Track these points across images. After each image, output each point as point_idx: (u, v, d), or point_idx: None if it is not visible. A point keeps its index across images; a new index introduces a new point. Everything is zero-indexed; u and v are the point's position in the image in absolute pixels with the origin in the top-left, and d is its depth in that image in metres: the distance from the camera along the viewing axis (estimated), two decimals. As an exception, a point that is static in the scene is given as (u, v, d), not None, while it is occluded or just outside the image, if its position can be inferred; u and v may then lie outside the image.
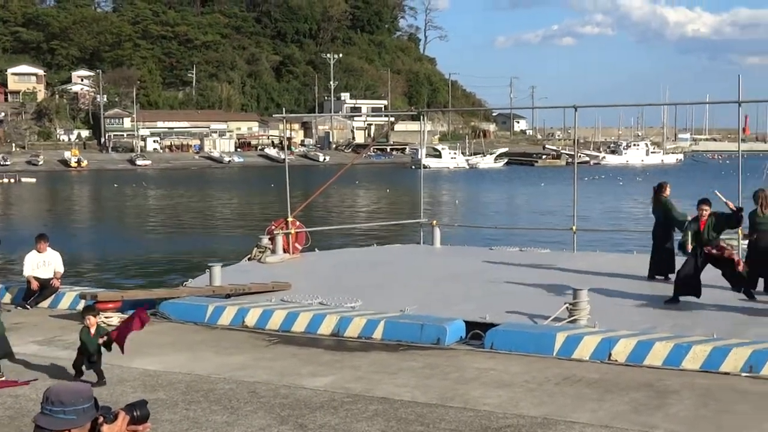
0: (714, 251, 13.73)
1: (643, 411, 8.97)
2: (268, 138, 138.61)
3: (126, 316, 11.98)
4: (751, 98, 29.54)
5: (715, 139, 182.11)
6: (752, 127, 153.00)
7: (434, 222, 22.61)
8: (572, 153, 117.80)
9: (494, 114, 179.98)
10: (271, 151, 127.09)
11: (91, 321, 10.48)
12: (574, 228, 20.41)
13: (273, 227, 20.58)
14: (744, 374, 10.22)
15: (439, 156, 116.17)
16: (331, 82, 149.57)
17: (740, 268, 13.69)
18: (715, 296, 13.87)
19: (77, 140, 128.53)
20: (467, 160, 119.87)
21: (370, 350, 11.83)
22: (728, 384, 9.91)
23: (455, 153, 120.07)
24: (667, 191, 16.22)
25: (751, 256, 14.33)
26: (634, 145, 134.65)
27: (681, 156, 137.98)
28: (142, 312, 9.93)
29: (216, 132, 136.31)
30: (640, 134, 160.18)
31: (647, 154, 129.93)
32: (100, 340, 10.14)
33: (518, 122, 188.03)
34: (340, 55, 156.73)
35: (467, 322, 12.47)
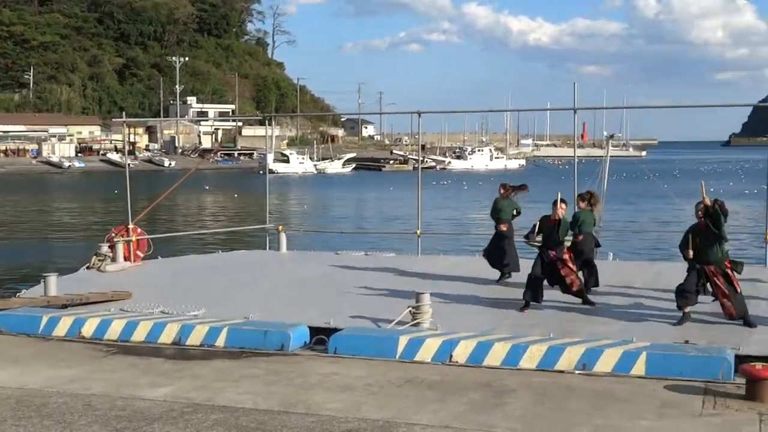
0: (553, 255, 14.08)
1: (483, 410, 9.15)
2: (111, 142, 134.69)
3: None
4: (587, 105, 30.88)
5: (555, 145, 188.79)
6: (590, 134, 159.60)
7: (280, 227, 22.50)
8: (417, 158, 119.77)
9: (342, 119, 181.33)
10: (114, 156, 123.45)
11: None
12: (418, 232, 20.72)
13: (113, 234, 19.99)
14: (578, 372, 10.59)
15: (287, 161, 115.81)
16: (177, 86, 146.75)
17: (569, 280, 14.08)
18: (555, 296, 14.33)
19: None
20: (315, 165, 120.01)
21: (213, 358, 11.62)
22: (563, 382, 10.24)
23: (303, 158, 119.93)
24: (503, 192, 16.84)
25: (576, 256, 14.83)
26: (479, 150, 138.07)
27: (523, 161, 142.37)
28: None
29: (55, 136, 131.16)
30: (484, 140, 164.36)
31: (491, 159, 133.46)
32: None
33: (366, 127, 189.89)
34: (186, 58, 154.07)
35: (312, 328, 12.43)
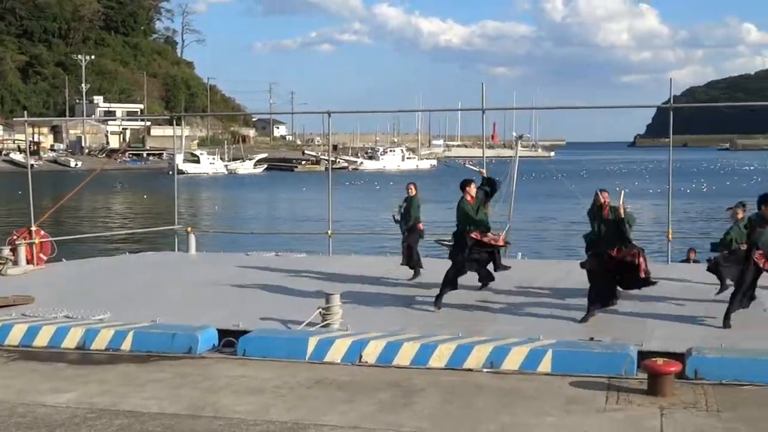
0: (482, 238, 14.30)
1: (391, 410, 9.17)
2: (14, 142, 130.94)
3: None
4: (497, 106, 31.29)
5: (466, 146, 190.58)
6: (501, 134, 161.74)
7: (189, 228, 22.20)
8: (330, 159, 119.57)
9: (254, 119, 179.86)
10: (17, 157, 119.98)
11: None
12: (329, 232, 20.70)
13: (15, 237, 19.43)
14: (485, 370, 10.70)
15: (198, 161, 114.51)
16: (83, 85, 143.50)
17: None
18: (460, 296, 14.47)
19: None
20: (226, 166, 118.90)
21: (118, 362, 11.39)
22: (471, 380, 10.34)
23: (214, 158, 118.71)
24: (413, 190, 16.90)
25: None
26: (391, 151, 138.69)
27: (435, 161, 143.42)
28: None
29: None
30: (396, 140, 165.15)
31: (403, 160, 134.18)
32: None
33: (278, 128, 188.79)
34: (93, 56, 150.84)
35: (220, 330, 12.29)
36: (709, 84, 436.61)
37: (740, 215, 14.16)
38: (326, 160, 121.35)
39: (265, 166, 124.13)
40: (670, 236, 18.78)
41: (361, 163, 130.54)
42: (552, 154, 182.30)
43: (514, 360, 10.75)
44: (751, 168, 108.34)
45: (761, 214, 12.43)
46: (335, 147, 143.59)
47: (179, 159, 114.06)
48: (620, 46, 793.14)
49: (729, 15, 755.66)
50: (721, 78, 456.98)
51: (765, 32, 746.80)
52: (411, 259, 16.79)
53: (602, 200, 13.29)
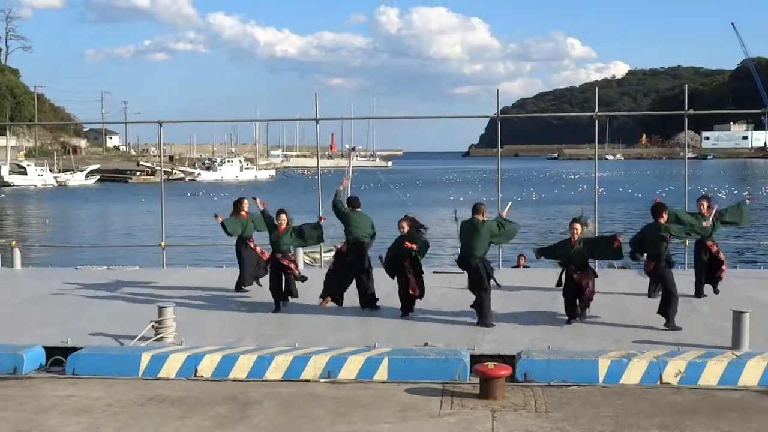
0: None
1: (227, 424, 9.04)
2: None
3: None
4: (334, 116, 31.43)
5: (305, 156, 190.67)
6: (339, 145, 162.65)
7: (13, 243, 21.24)
8: (166, 169, 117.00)
9: (85, 129, 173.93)
10: None
11: None
12: (162, 244, 20.24)
13: None
14: (323, 380, 10.71)
15: (25, 173, 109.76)
16: None
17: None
18: (302, 307, 14.44)
19: None
20: (56, 177, 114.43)
21: (-65, 386, 10.74)
22: (308, 391, 10.32)
23: (42, 170, 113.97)
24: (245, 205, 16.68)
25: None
26: (229, 161, 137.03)
27: (273, 172, 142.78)
28: None
29: None
30: (234, 150, 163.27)
31: (241, 170, 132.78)
32: None
33: (111, 138, 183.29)
34: None
35: (48, 348, 11.80)
36: (538, 96, 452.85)
37: (705, 209, 15.25)
38: (162, 169, 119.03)
39: (98, 177, 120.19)
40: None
41: (199, 174, 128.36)
42: (389, 164, 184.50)
43: (350, 369, 10.81)
44: (575, 177, 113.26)
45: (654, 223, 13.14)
46: (171, 158, 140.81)
47: (5, 170, 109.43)
48: (454, 59, 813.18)
49: (555, 30, 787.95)
50: (549, 90, 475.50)
51: (588, 47, 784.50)
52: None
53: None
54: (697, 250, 15.50)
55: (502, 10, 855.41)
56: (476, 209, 13.56)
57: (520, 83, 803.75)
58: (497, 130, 19.36)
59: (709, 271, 15.40)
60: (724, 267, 15.48)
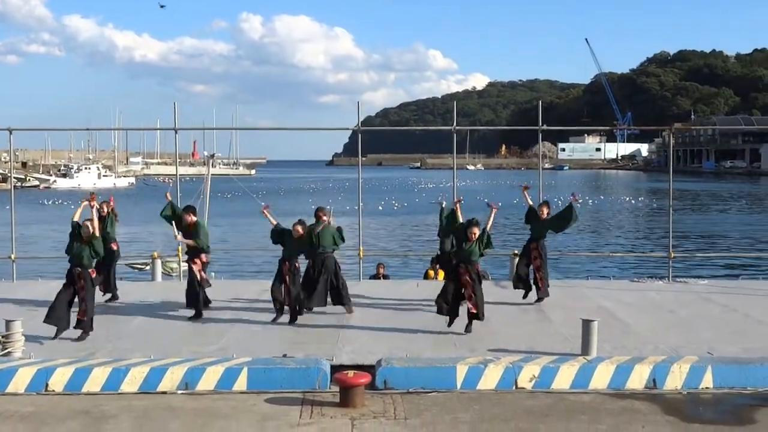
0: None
1: (79, 440, 8.78)
2: None
3: None
4: (194, 125, 30.86)
5: (166, 163, 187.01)
6: (201, 152, 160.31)
7: None
8: (20, 177, 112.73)
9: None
10: None
11: None
12: (12, 256, 19.45)
13: None
14: (180, 392, 10.54)
15: None
16: None
17: None
18: (165, 319, 14.15)
19: None
20: None
21: None
22: (165, 403, 10.13)
23: None
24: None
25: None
26: (86, 168, 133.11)
27: (133, 179, 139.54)
28: None
29: None
30: (91, 157, 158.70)
31: (99, 178, 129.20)
32: None
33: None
34: None
35: None
36: (401, 106, 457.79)
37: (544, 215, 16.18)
38: (17, 178, 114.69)
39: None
40: (361, 254, 19.50)
41: (54, 181, 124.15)
42: (253, 171, 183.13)
43: (209, 380, 10.68)
44: (431, 186, 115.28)
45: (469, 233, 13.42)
46: (24, 164, 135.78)
47: None
48: (317, 67, 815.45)
49: (416, 42, 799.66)
50: (412, 100, 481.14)
51: (449, 59, 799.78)
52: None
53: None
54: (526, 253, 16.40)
55: (365, 21, 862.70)
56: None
57: (384, 93, 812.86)
58: (359, 141, 19.56)
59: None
60: (539, 275, 16.19)
